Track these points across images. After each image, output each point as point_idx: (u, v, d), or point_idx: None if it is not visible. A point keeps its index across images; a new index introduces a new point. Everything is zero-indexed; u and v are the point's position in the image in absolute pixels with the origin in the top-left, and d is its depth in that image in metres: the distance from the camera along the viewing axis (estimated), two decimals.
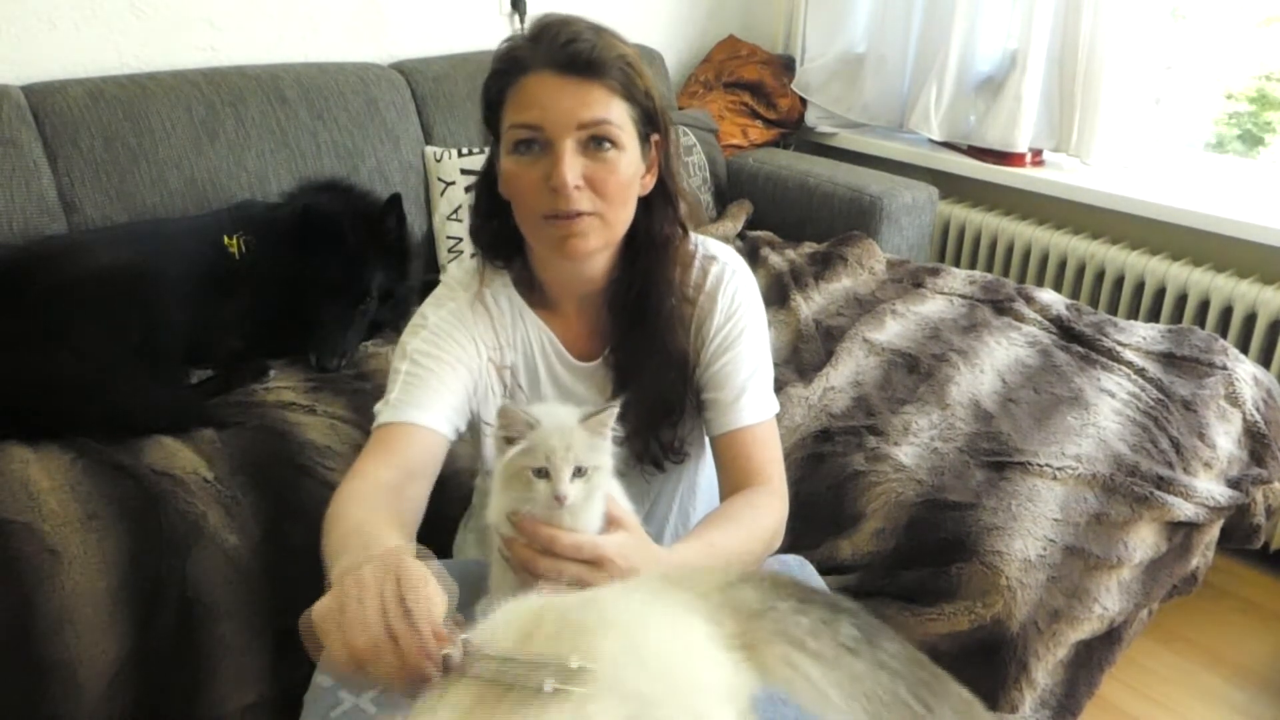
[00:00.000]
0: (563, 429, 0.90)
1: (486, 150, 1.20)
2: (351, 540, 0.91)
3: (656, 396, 1.17)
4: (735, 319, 1.18)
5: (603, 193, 1.05)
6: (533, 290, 1.20)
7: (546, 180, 1.03)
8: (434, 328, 1.15)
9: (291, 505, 1.52)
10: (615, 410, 0.92)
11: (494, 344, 1.18)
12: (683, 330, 1.17)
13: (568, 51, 1.02)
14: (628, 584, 0.78)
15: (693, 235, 1.20)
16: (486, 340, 1.18)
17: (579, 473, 0.90)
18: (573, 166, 1.03)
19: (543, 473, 0.89)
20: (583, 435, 0.90)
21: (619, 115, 1.05)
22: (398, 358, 1.14)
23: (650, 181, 1.13)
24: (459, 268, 1.25)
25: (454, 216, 2.29)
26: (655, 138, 1.11)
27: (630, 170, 1.07)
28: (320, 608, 0.78)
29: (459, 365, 1.13)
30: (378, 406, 1.12)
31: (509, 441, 0.91)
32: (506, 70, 1.06)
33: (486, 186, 1.16)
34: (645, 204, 1.13)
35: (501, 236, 1.17)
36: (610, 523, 0.94)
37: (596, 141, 1.04)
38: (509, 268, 1.20)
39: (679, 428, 1.20)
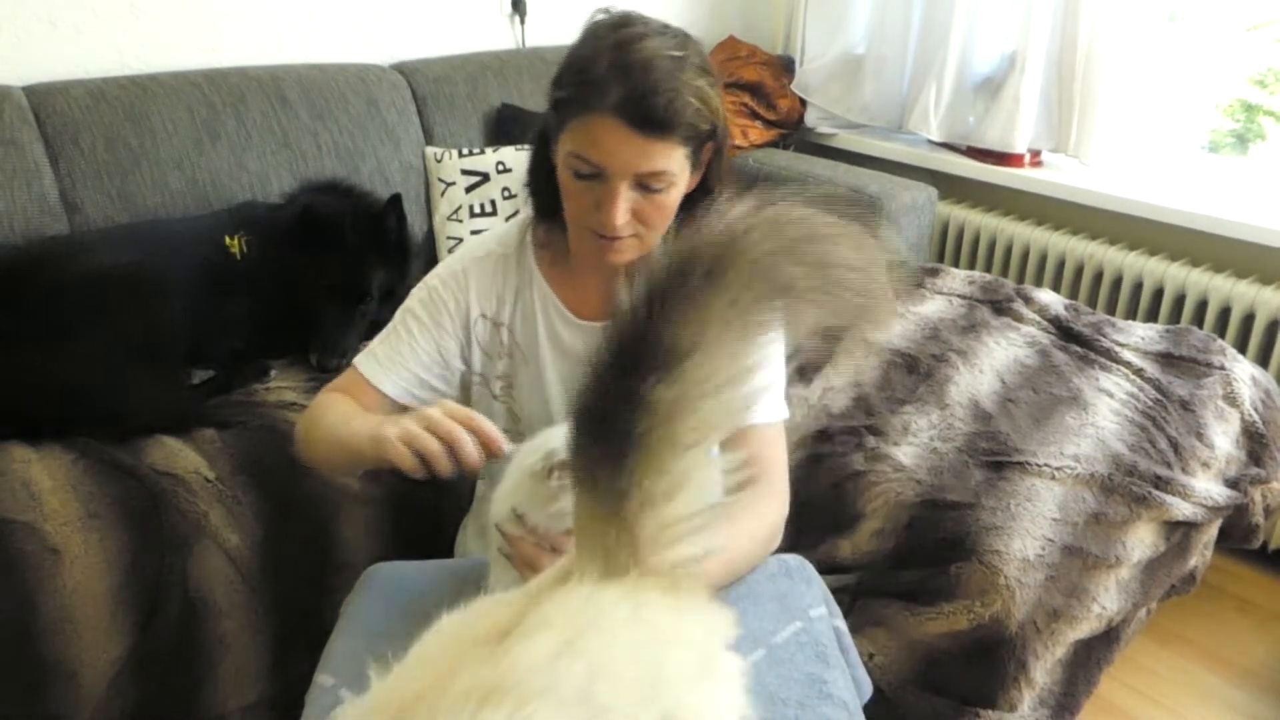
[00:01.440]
0: None
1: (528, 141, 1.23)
2: (362, 415, 1.09)
3: None
4: None
5: (647, 222, 1.10)
6: (553, 246, 1.23)
7: (598, 206, 1.07)
8: (434, 289, 1.22)
9: (292, 505, 1.53)
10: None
11: (494, 300, 1.23)
12: None
13: (642, 107, 1.01)
14: (573, 568, 0.73)
15: None
16: (487, 297, 1.22)
17: None
18: (624, 208, 1.07)
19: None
20: None
21: (678, 162, 1.07)
22: (404, 306, 1.23)
23: (694, 182, 1.14)
24: (499, 227, 1.30)
25: (454, 217, 2.30)
26: (708, 145, 1.12)
27: (676, 199, 1.11)
28: (390, 429, 0.95)
29: (443, 332, 1.21)
30: (368, 347, 1.22)
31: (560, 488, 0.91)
32: (579, 96, 1.04)
33: (541, 150, 1.18)
34: (687, 200, 1.15)
35: (549, 202, 1.19)
36: None
37: (650, 184, 1.07)
38: (550, 224, 1.22)
39: None
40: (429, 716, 0.57)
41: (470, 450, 0.92)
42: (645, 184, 1.06)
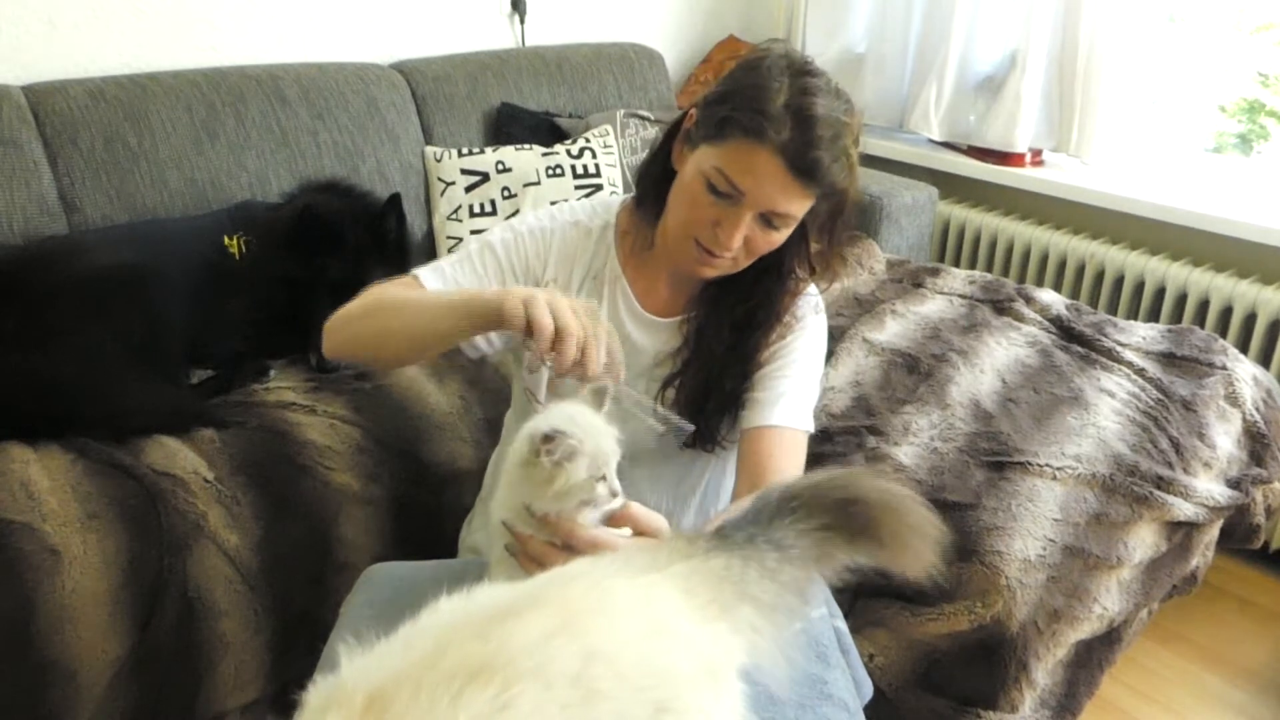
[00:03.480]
0: (600, 430, 0.92)
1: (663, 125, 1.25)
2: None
3: (712, 381, 1.22)
4: (794, 336, 1.23)
5: (751, 251, 1.14)
6: (637, 236, 1.24)
7: (715, 223, 1.10)
8: (520, 235, 1.23)
9: (291, 505, 1.53)
10: (611, 388, 0.96)
11: (569, 269, 1.24)
12: (765, 343, 1.22)
13: (805, 156, 1.06)
14: (587, 566, 0.75)
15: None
16: (564, 263, 1.24)
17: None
18: (741, 236, 1.10)
19: (600, 476, 0.91)
20: (611, 430, 0.93)
21: (802, 210, 1.12)
22: (482, 238, 1.24)
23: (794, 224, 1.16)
24: (590, 199, 1.33)
25: (454, 216, 2.29)
26: (828, 204, 1.15)
27: (785, 237, 1.14)
28: (532, 292, 0.96)
29: (511, 276, 1.22)
30: (435, 262, 1.23)
31: (555, 463, 0.90)
32: (749, 122, 1.07)
33: (665, 147, 1.20)
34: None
35: (654, 197, 1.21)
36: (642, 533, 0.95)
37: (774, 220, 1.11)
38: (645, 213, 1.23)
39: (720, 421, 1.24)
40: (412, 695, 0.56)
41: (569, 351, 0.94)
42: (768, 219, 1.10)
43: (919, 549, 0.76)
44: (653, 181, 1.21)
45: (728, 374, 1.21)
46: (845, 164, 1.11)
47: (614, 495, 0.91)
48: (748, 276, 1.19)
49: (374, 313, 1.16)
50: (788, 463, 1.16)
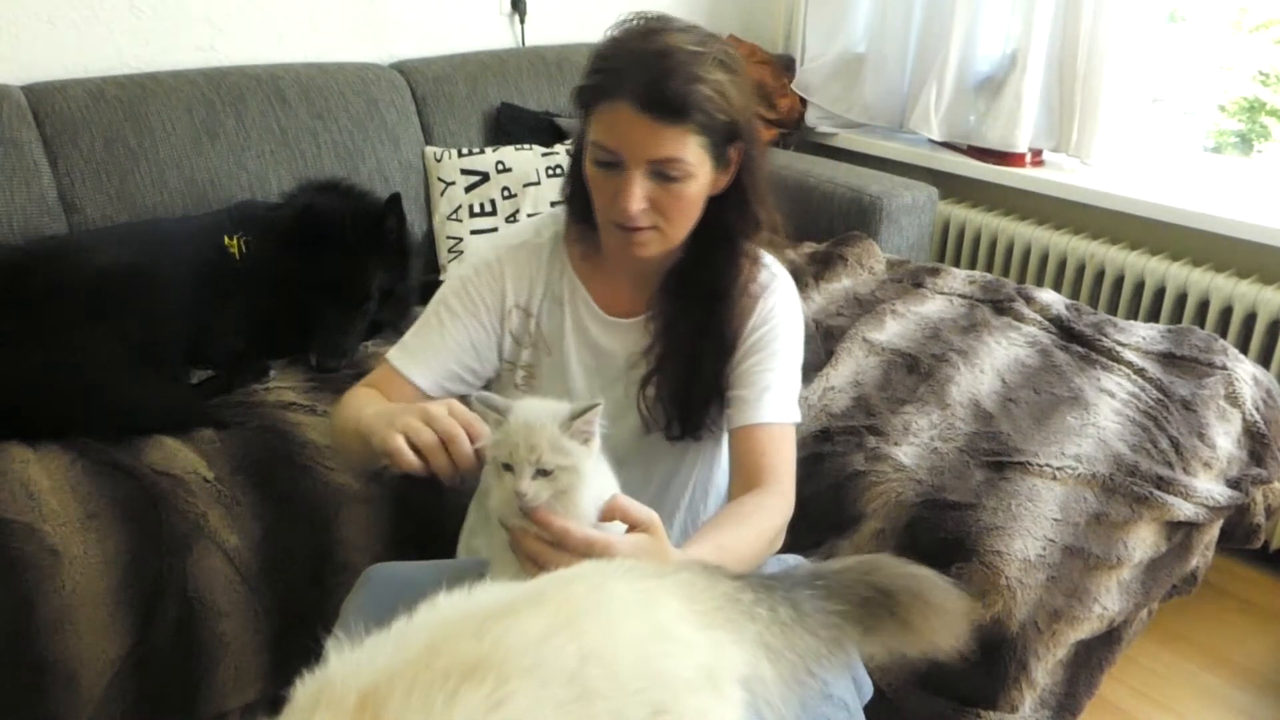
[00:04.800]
0: (529, 426, 0.90)
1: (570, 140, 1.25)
2: (378, 406, 1.11)
3: (692, 370, 1.21)
4: (771, 326, 1.22)
5: (665, 214, 1.11)
6: (586, 243, 1.24)
7: (616, 196, 1.09)
8: (467, 279, 1.23)
9: (291, 505, 1.53)
10: (598, 409, 0.92)
11: (527, 289, 1.24)
12: (736, 318, 1.20)
13: (653, 93, 1.04)
14: (590, 569, 0.75)
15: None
16: (521, 285, 1.24)
17: (543, 473, 0.89)
18: (638, 195, 1.08)
19: (508, 467, 0.90)
20: (553, 435, 0.90)
21: (693, 152, 1.08)
22: (438, 296, 1.24)
23: (725, 182, 1.15)
24: (534, 217, 1.33)
25: (454, 216, 2.29)
26: (737, 145, 1.13)
27: (695, 192, 1.12)
28: (378, 419, 1.00)
29: (476, 323, 1.22)
30: (402, 339, 1.24)
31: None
32: (598, 84, 1.08)
33: (580, 152, 1.19)
34: (719, 200, 1.16)
35: (584, 204, 1.20)
36: (634, 525, 0.95)
37: (666, 171, 1.08)
38: (584, 221, 1.23)
39: (707, 408, 1.24)
40: (406, 694, 0.55)
41: (465, 449, 0.94)
42: (661, 172, 1.08)
43: (947, 627, 0.78)
44: (577, 191, 1.20)
45: (705, 357, 1.20)
46: (712, 89, 1.06)
47: (519, 495, 0.88)
48: (700, 255, 1.19)
49: (345, 428, 1.17)
50: (779, 457, 1.17)
